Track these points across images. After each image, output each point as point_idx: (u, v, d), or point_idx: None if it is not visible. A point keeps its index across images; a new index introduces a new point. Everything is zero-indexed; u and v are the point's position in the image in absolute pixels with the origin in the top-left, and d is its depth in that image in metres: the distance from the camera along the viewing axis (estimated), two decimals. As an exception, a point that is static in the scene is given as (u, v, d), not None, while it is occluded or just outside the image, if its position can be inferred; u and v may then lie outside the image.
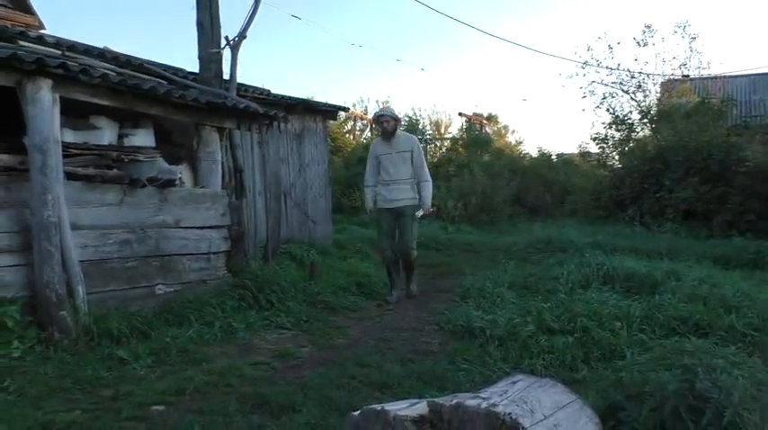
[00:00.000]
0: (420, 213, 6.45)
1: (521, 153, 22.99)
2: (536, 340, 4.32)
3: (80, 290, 4.36)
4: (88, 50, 6.18)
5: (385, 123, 6.49)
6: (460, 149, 21.38)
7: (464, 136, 22.98)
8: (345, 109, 12.28)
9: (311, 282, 6.44)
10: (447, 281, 7.56)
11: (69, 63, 4.54)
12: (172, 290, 5.21)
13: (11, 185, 4.26)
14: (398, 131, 6.66)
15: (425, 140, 23.12)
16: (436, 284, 7.42)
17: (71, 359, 3.94)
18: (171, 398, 3.45)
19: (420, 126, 23.56)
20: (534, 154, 21.69)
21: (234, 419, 3.13)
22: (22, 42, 5.19)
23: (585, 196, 14.34)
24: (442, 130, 24.49)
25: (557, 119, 49.97)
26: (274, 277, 5.94)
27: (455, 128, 24.44)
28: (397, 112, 7.20)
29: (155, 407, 3.29)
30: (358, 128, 25.52)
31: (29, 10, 9.24)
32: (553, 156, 20.55)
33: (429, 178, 6.60)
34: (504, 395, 2.22)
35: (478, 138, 22.41)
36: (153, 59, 7.15)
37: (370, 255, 9.37)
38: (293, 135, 9.50)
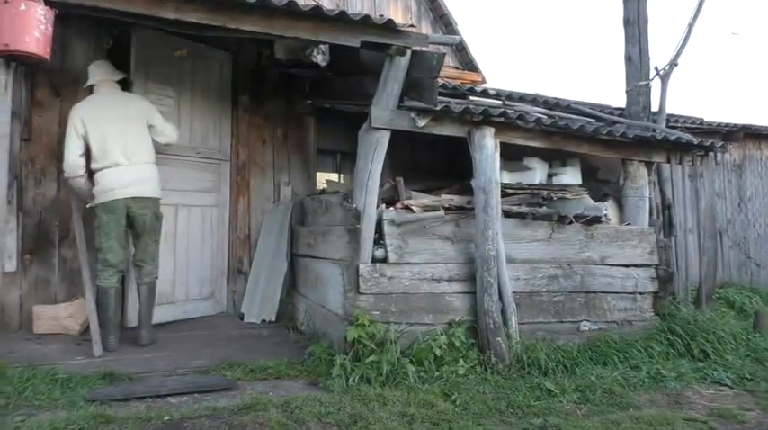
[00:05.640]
0: None
1: None
2: None
3: (513, 319, 4.71)
4: (522, 98, 6.78)
5: None
6: None
7: None
8: (800, 131, 10.34)
9: (756, 335, 5.60)
10: None
11: (508, 111, 5.03)
12: (596, 327, 5.18)
13: (460, 222, 4.89)
14: None
15: None
16: None
17: (505, 383, 4.25)
18: (598, 439, 3.39)
19: None
20: None
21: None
22: (471, 97, 6.02)
23: None
24: None
25: None
26: (709, 325, 5.34)
27: None
28: None
29: (583, 446, 3.30)
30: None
31: (474, 68, 10.96)
32: None
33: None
34: None
35: None
36: (579, 99, 7.41)
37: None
38: (732, 165, 8.52)
